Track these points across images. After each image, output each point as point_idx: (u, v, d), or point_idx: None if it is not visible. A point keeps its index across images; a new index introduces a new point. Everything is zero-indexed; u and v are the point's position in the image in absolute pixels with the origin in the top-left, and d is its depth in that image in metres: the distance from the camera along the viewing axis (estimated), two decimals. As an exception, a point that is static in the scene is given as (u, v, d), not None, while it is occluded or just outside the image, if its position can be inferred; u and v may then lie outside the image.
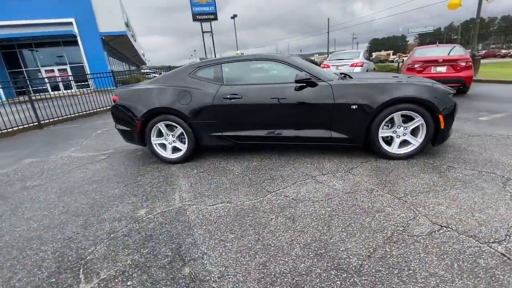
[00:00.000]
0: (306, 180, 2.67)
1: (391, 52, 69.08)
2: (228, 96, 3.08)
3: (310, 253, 1.68)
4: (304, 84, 2.95)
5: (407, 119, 2.91)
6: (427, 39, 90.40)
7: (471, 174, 2.54)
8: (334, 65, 9.36)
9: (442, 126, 2.80)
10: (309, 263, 1.60)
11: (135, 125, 3.31)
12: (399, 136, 2.95)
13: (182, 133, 3.30)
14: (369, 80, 2.98)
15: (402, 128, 2.92)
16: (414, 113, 2.80)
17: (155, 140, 3.38)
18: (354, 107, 2.85)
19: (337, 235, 1.83)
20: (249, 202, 2.34)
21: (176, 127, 3.29)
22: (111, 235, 2.02)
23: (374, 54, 55.30)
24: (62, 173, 3.39)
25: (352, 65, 8.95)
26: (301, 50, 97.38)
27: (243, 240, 1.85)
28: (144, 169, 3.31)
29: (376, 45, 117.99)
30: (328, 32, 42.44)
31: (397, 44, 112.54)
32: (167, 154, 3.41)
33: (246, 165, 3.17)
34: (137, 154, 3.91)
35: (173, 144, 3.39)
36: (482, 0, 9.41)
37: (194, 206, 2.35)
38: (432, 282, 1.41)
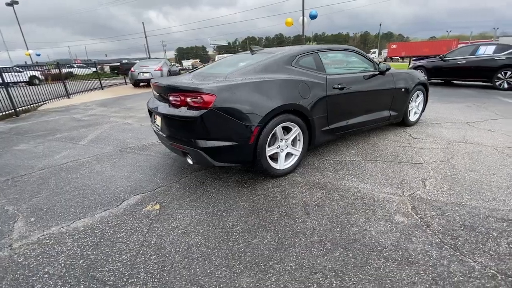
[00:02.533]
0: (413, 149, 3.22)
1: (198, 60, 77.32)
2: (339, 86, 2.91)
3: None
4: (377, 73, 3.40)
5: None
6: (222, 50, 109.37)
7: (454, 124, 4.21)
8: (143, 68, 12.07)
9: (427, 98, 4.33)
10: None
11: (249, 134, 2.26)
12: (413, 108, 4.19)
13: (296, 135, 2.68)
14: (403, 70, 3.96)
15: (414, 102, 4.17)
16: (421, 91, 4.12)
17: (268, 151, 2.48)
18: (403, 90, 3.72)
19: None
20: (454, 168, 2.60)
21: (291, 129, 2.61)
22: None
23: (190, 62, 57.89)
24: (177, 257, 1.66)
25: (155, 70, 11.97)
26: (106, 55, 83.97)
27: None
28: (271, 195, 2.36)
29: (182, 53, 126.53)
30: (146, 37, 40.47)
31: (200, 53, 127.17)
32: (279, 164, 2.61)
33: (354, 154, 3.16)
34: (203, 182, 2.56)
35: (286, 151, 2.66)
36: (304, 23, 13.65)
37: (423, 196, 2.25)
38: None
